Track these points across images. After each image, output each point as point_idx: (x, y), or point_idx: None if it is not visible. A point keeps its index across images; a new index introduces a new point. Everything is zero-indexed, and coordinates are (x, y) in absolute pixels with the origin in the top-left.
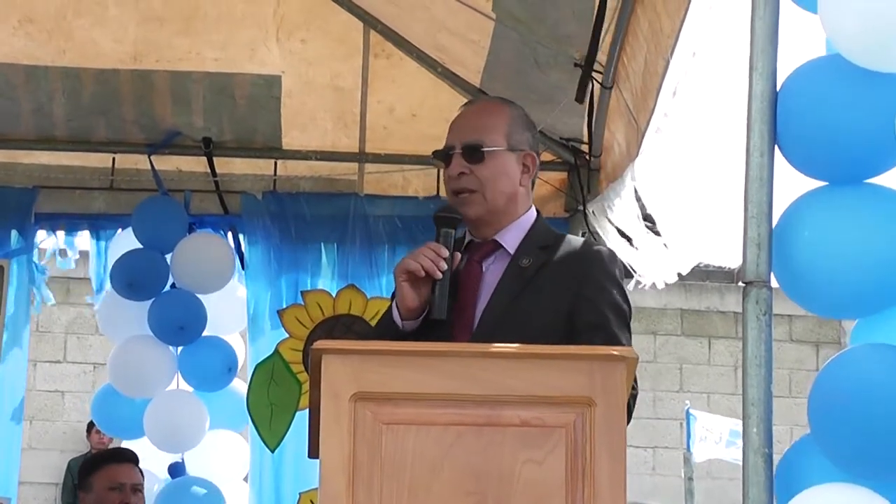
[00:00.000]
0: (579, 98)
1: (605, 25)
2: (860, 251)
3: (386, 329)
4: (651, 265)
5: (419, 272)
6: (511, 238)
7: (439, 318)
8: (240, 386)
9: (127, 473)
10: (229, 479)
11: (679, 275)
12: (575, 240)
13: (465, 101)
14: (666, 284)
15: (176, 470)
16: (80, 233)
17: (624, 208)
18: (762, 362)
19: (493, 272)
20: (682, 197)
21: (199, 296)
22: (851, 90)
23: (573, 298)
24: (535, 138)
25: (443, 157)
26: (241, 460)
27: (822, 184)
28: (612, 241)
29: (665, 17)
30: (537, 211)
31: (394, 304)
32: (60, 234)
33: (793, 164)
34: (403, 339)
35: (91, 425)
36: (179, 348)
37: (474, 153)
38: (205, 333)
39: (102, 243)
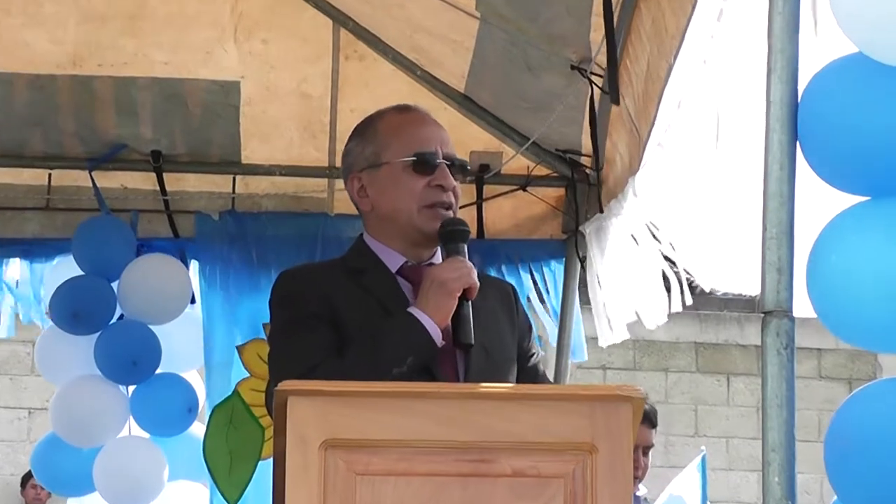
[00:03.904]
0: (614, 99)
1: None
2: None
3: (400, 351)
4: (650, 298)
5: (474, 290)
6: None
7: (468, 342)
8: (201, 430)
9: None
10: None
11: (683, 304)
12: (479, 273)
13: (440, 107)
14: (676, 312)
15: None
16: (11, 260)
17: (622, 229)
18: (783, 402)
19: None
20: (691, 216)
21: (151, 327)
22: (883, 91)
23: (517, 329)
24: None
25: (423, 163)
26: None
27: (863, 199)
28: (606, 268)
29: (670, 14)
30: None
31: (425, 320)
32: None
33: (822, 176)
34: (433, 360)
35: (26, 479)
36: (131, 388)
37: (458, 169)
38: (159, 371)
39: (37, 269)
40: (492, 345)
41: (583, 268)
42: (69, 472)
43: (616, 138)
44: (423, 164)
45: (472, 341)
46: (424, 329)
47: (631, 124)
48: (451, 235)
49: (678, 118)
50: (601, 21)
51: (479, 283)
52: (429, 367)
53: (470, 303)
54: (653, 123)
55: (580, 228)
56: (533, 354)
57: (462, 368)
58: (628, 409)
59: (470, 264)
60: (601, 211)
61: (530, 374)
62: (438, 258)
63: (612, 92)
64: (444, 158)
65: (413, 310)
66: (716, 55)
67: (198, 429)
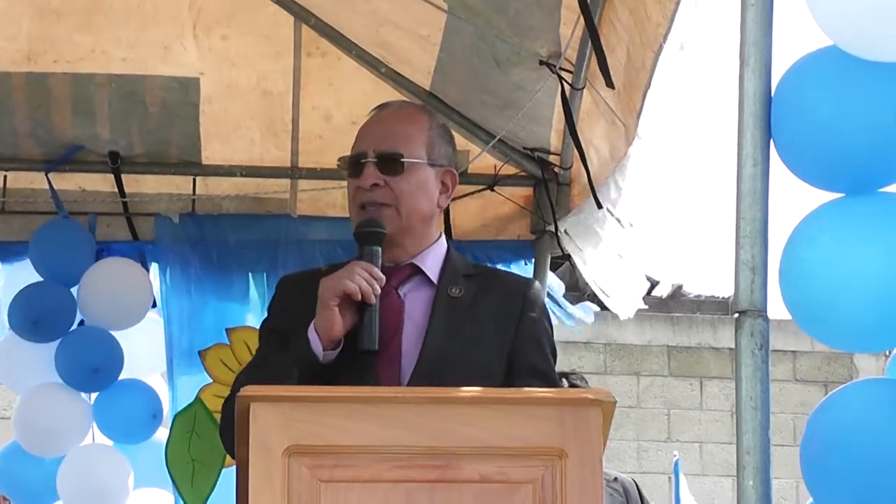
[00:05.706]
0: (609, 83)
1: (574, 17)
2: (881, 271)
3: (290, 363)
4: (629, 290)
5: (356, 295)
6: (431, 263)
7: (370, 349)
8: (166, 437)
9: None
10: None
11: (651, 297)
12: (501, 271)
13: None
14: (648, 315)
15: None
16: None
17: (611, 223)
18: (758, 404)
19: (414, 301)
20: (666, 214)
21: (112, 333)
22: (857, 85)
23: (515, 337)
24: (456, 154)
25: (352, 166)
26: None
27: (837, 195)
28: (589, 265)
29: (652, 2)
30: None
31: (311, 332)
32: None
33: (795, 173)
34: (320, 375)
35: None
36: (93, 396)
37: (391, 163)
38: (121, 377)
39: None
40: (455, 349)
41: (571, 264)
42: (32, 481)
43: (590, 134)
44: (350, 168)
45: (375, 347)
46: (308, 343)
47: (612, 115)
48: (361, 237)
49: (658, 108)
50: (571, 14)
51: (370, 287)
52: (360, 374)
53: (369, 310)
54: (639, 114)
55: (558, 227)
56: (533, 365)
57: (408, 374)
58: (598, 414)
59: (362, 267)
60: (570, 209)
61: (529, 378)
62: (425, 257)
63: (605, 76)
64: (374, 156)
65: (313, 323)
66: (691, 44)
67: (163, 435)
